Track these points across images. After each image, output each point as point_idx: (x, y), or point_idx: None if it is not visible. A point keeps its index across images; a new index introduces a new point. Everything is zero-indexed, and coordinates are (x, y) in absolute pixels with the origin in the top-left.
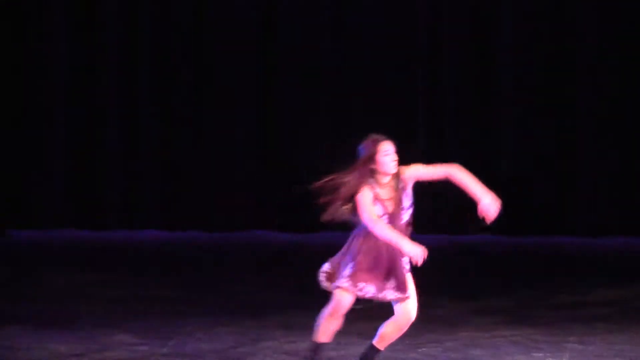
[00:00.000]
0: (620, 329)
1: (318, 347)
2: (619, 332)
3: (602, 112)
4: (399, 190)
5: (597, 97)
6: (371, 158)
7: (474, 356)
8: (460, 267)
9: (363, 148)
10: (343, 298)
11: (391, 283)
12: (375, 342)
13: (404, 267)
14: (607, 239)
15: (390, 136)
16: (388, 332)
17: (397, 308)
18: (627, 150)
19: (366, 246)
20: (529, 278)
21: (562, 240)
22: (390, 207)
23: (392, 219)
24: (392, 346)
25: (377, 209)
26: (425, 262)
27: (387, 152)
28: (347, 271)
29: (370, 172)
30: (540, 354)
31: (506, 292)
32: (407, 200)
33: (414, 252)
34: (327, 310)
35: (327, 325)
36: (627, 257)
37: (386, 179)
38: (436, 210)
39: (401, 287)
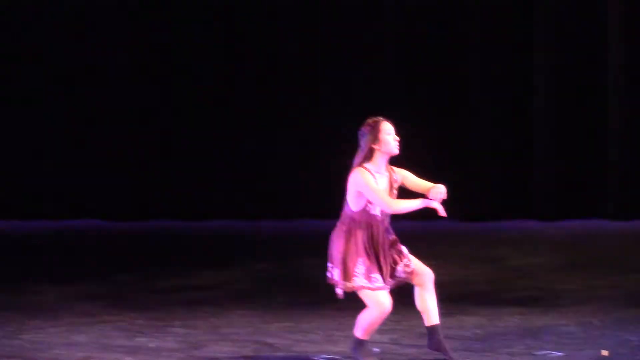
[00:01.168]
0: (222, 312)
1: (362, 343)
2: (222, 316)
3: None
4: (392, 182)
5: None
6: (375, 138)
7: (78, 342)
8: (63, 251)
9: (364, 130)
10: (380, 297)
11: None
12: (428, 324)
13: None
14: (205, 223)
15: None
16: (427, 306)
17: (415, 279)
18: None
19: (364, 237)
20: (131, 262)
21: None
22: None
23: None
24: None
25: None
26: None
27: (389, 132)
28: (361, 269)
29: (370, 154)
30: (145, 339)
31: (109, 277)
32: (395, 193)
33: (436, 205)
34: (373, 314)
35: (374, 325)
36: (226, 240)
37: (383, 167)
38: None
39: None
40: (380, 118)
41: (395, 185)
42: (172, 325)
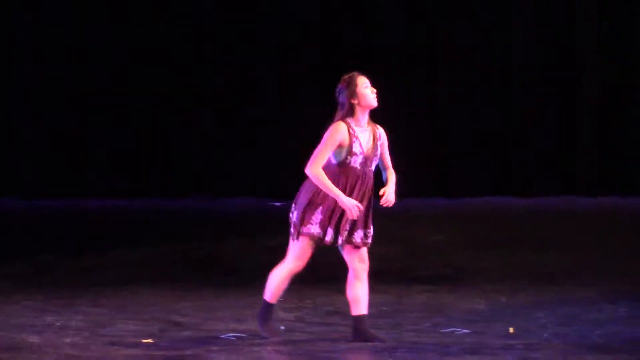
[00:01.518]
0: (133, 291)
1: (270, 309)
2: (132, 294)
3: None
4: (376, 138)
5: None
6: (352, 92)
7: None
8: None
9: (341, 86)
10: (306, 251)
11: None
12: (355, 314)
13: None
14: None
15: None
16: (359, 296)
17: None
18: None
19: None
20: (48, 242)
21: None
22: (367, 150)
23: (366, 161)
24: None
25: (355, 146)
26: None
27: (366, 85)
28: (318, 217)
29: (351, 109)
30: (54, 317)
31: (26, 257)
32: (378, 151)
33: (350, 206)
34: (283, 270)
35: (283, 285)
36: (143, 219)
37: (365, 121)
38: None
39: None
40: (356, 72)
41: (379, 143)
42: (79, 304)
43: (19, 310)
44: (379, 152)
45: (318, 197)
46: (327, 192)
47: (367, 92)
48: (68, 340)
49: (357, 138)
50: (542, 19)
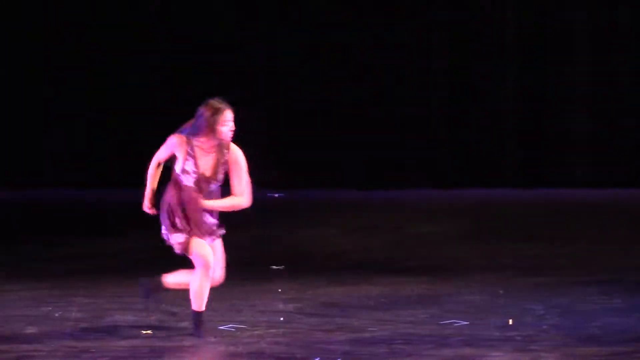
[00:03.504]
0: (126, 281)
1: (201, 317)
2: (126, 284)
3: None
4: (221, 162)
5: None
6: (212, 125)
7: None
8: None
9: (205, 112)
10: (202, 246)
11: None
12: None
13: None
14: (103, 191)
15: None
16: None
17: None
18: None
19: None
20: (31, 231)
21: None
22: (207, 171)
23: (201, 181)
24: None
25: (188, 165)
26: None
27: (228, 122)
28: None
29: (202, 134)
30: (49, 308)
31: (10, 246)
32: (221, 175)
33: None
34: (199, 275)
35: (205, 288)
36: (131, 208)
37: (210, 146)
38: None
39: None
40: (224, 106)
41: (222, 168)
42: (75, 294)
43: (16, 300)
44: (220, 177)
45: (173, 206)
46: (148, 185)
47: (225, 130)
48: (67, 331)
49: (193, 158)
50: None
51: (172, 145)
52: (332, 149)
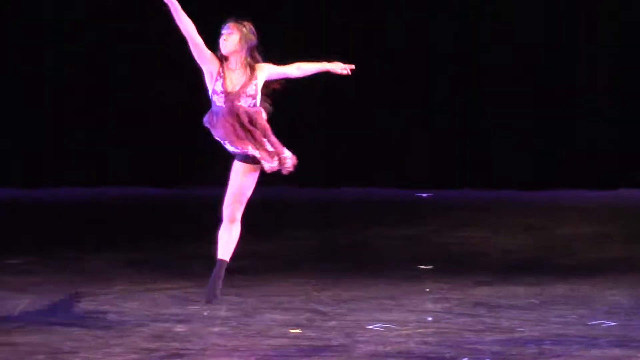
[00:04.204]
0: (274, 280)
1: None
2: (274, 284)
3: None
4: (248, 77)
5: None
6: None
7: (130, 310)
8: (110, 218)
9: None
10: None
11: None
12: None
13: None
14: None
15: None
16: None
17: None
18: None
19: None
20: (180, 229)
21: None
22: (231, 87)
23: (230, 97)
24: (48, 300)
25: (217, 84)
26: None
27: (221, 34)
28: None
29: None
30: (198, 307)
31: (159, 245)
32: (252, 89)
33: None
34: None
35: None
36: (273, 208)
37: (234, 64)
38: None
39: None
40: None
41: (253, 83)
42: (225, 293)
43: (165, 299)
44: (249, 90)
45: None
46: None
47: (220, 41)
48: (215, 329)
49: (221, 76)
50: None
51: (208, 62)
52: (485, 148)
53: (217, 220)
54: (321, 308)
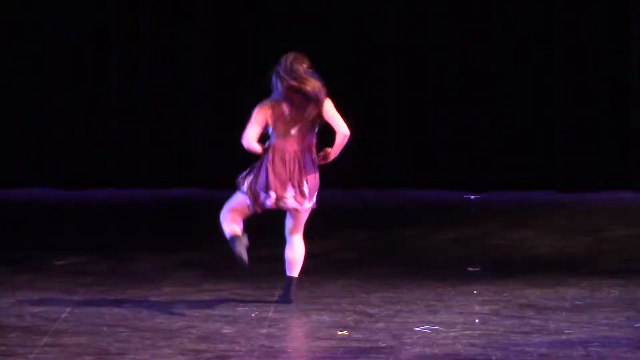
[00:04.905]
0: (323, 282)
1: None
2: (323, 285)
3: None
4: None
5: None
6: (282, 82)
7: (179, 311)
8: (162, 220)
9: (273, 78)
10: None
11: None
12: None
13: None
14: None
15: None
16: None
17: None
18: None
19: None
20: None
21: None
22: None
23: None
24: (96, 302)
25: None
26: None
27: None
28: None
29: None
30: (246, 308)
31: (206, 246)
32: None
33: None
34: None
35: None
36: (326, 209)
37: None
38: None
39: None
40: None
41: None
42: (273, 294)
43: (214, 300)
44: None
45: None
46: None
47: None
48: (263, 331)
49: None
50: None
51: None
52: (526, 150)
53: (263, 221)
54: (369, 310)
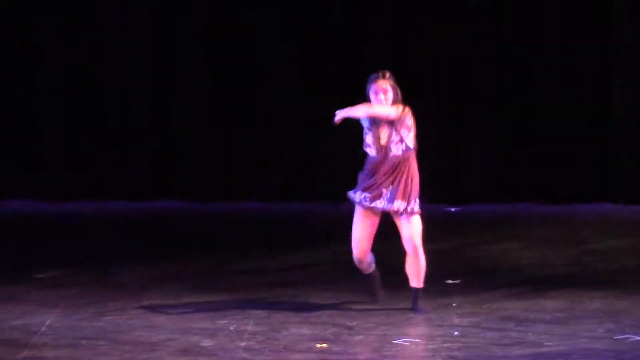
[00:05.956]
0: (303, 295)
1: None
2: (303, 298)
3: None
4: (395, 127)
5: None
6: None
7: (159, 324)
8: (141, 233)
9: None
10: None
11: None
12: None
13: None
14: (284, 204)
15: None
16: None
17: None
18: None
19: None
20: (210, 243)
21: (246, 205)
22: (382, 139)
23: (381, 150)
24: (76, 315)
25: (368, 138)
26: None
27: (375, 91)
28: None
29: None
30: (225, 321)
31: (187, 258)
32: (397, 140)
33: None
34: None
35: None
36: (306, 222)
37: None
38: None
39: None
40: (374, 76)
41: (396, 132)
42: (252, 307)
43: (189, 313)
44: (396, 138)
45: None
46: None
47: (374, 99)
48: (242, 344)
49: (370, 131)
50: None
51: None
52: (507, 162)
53: (244, 234)
54: (348, 322)
